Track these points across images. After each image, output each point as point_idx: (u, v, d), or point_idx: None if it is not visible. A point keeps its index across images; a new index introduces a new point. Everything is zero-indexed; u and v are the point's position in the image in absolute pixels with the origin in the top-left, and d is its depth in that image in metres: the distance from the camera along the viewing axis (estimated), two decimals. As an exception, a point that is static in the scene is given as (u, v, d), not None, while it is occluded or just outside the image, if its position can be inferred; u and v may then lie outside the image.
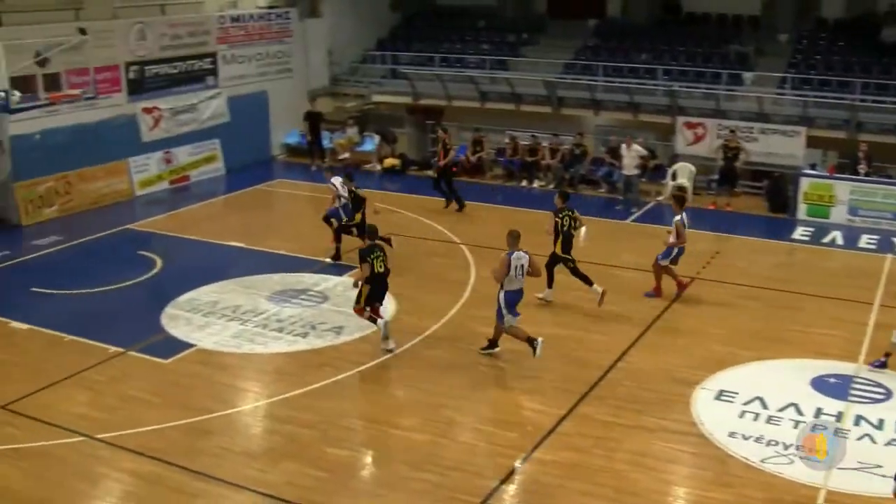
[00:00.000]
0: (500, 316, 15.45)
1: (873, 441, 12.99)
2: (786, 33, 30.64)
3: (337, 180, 20.80)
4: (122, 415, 13.92)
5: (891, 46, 28.38)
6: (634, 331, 16.83)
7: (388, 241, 19.10)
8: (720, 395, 14.30)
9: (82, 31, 22.70)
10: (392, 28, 36.92)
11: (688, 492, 12.03)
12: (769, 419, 13.55)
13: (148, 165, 27.49)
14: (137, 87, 27.32)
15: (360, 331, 16.81)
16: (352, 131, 31.75)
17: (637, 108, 28.97)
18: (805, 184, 24.65)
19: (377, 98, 33.60)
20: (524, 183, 28.21)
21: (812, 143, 26.29)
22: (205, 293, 18.77)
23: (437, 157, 26.03)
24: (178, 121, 28.42)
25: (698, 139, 27.21)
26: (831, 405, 13.98)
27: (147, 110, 27.55)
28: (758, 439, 12.96)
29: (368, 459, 12.99)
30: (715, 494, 11.77)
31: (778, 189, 25.44)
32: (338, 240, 20.60)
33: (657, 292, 18.67)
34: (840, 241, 22.84)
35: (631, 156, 25.37)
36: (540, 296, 18.09)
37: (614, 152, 26.55)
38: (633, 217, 24.64)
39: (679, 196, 19.60)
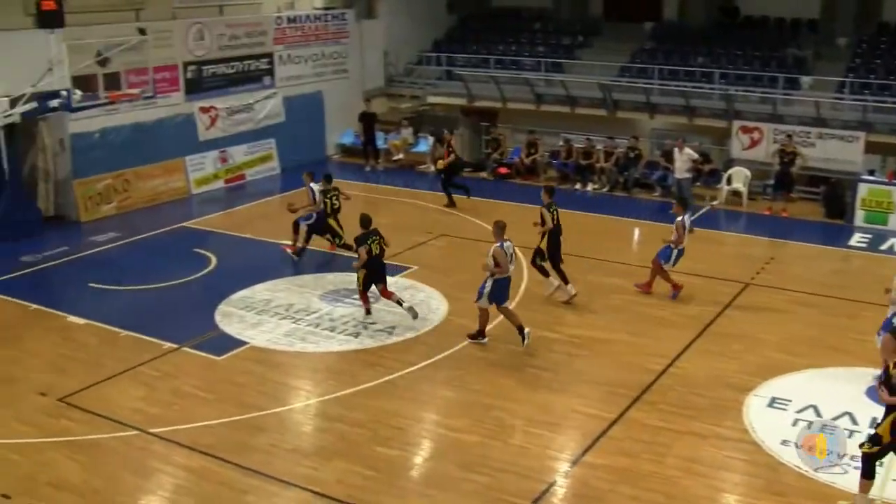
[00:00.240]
0: (478, 297, 16.23)
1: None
2: (845, 37, 30.22)
3: (316, 186, 20.96)
4: (176, 410, 14.10)
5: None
6: (686, 335, 16.70)
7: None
8: (773, 403, 14.16)
9: (142, 32, 23.03)
10: (448, 29, 36.99)
11: (738, 499, 11.89)
12: (823, 427, 13.38)
13: (204, 164, 27.79)
14: (195, 87, 27.65)
15: (411, 331, 16.88)
16: (406, 132, 31.86)
17: (693, 111, 28.77)
18: (863, 190, 24.29)
19: (432, 99, 33.68)
20: (578, 186, 28.10)
21: (871, 148, 25.91)
22: (258, 291, 18.94)
23: (443, 157, 26.40)
24: (235, 120, 28.71)
25: (754, 144, 26.96)
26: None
27: (204, 110, 27.86)
28: (811, 448, 12.81)
29: (418, 459, 13.01)
30: (766, 503, 11.65)
31: (835, 195, 25.11)
32: (306, 240, 20.94)
33: (647, 288, 18.74)
34: (899, 249, 22.53)
35: (682, 159, 25.12)
36: (559, 294, 18.61)
37: (668, 156, 26.36)
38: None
39: (682, 199, 19.61)
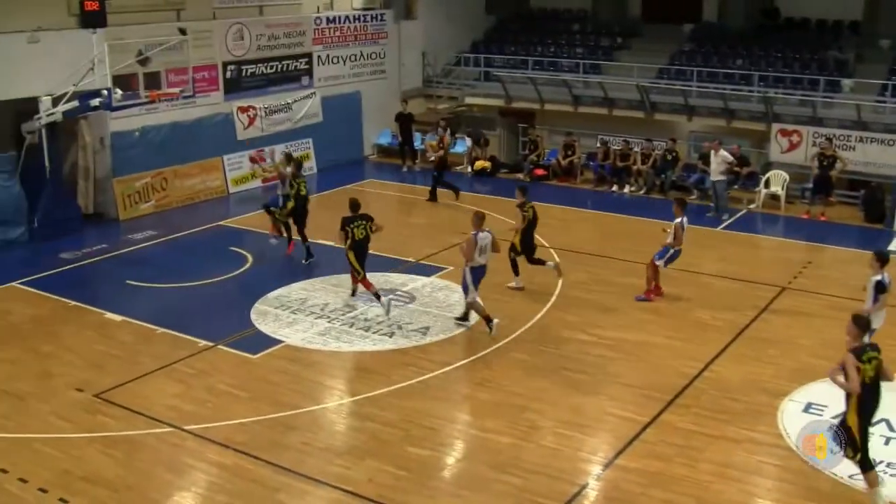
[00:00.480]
0: (465, 290, 16.76)
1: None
2: (888, 39, 29.86)
3: (288, 170, 21.31)
4: (210, 407, 14.20)
5: None
6: (722, 339, 16.60)
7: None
8: (808, 408, 14.05)
9: (182, 31, 23.18)
10: (486, 30, 37.02)
11: (772, 505, 11.84)
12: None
13: (242, 163, 27.95)
14: (234, 87, 27.83)
15: (445, 332, 16.91)
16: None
17: (731, 114, 28.59)
18: (903, 194, 24.07)
19: (469, 100, 33.70)
20: (614, 188, 28.00)
21: (913, 152, 25.65)
22: (294, 290, 19.03)
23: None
24: (273, 120, 28.87)
25: (793, 147, 26.74)
26: (924, 421, 13.63)
27: (242, 109, 28.02)
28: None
29: (450, 460, 13.02)
30: (800, 509, 11.59)
31: (875, 199, 24.86)
32: (282, 229, 21.27)
33: (654, 293, 18.68)
34: (940, 254, 22.22)
35: (717, 161, 24.92)
36: (551, 266, 19.36)
37: (706, 158, 26.20)
38: (723, 225, 24.26)
39: (680, 199, 19.51)
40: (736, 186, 26.19)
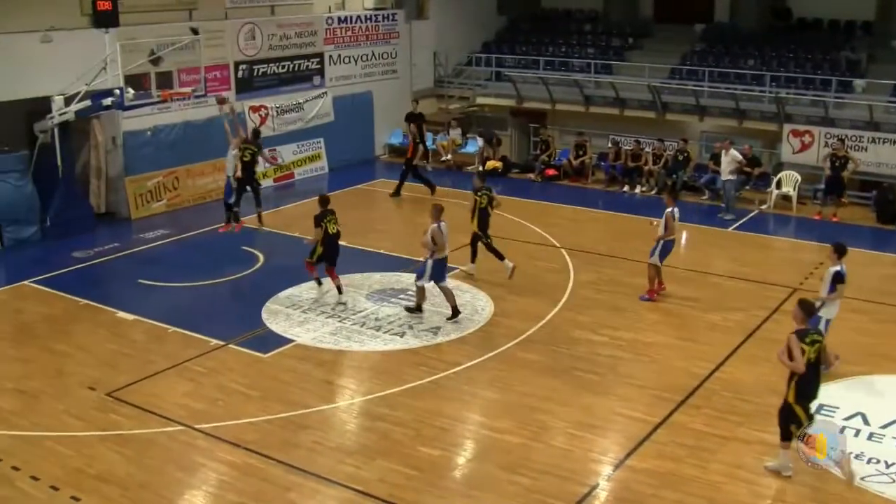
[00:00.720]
0: (419, 275, 17.45)
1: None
2: (901, 39, 29.82)
3: (232, 151, 22.33)
4: (221, 406, 14.24)
5: None
6: (734, 340, 16.58)
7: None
8: (820, 410, 13.93)
9: (194, 31, 23.23)
10: (497, 30, 37.02)
11: (784, 507, 11.82)
12: (871, 436, 13.23)
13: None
14: (246, 86, 27.87)
15: (456, 332, 16.92)
16: (455, 133, 31.89)
17: (743, 114, 28.54)
18: (916, 195, 24.01)
19: (481, 100, 33.72)
20: (626, 188, 27.95)
21: (926, 153, 25.57)
22: (305, 290, 19.05)
23: (408, 150, 27.06)
24: (284, 119, 28.90)
25: (805, 147, 26.68)
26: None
27: (254, 109, 28.07)
28: (858, 456, 12.65)
29: (460, 460, 13.02)
30: (812, 511, 11.57)
31: (887, 199, 24.77)
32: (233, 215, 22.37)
33: (660, 289, 18.73)
34: (953, 255, 22.18)
35: (727, 161, 24.87)
36: (464, 268, 19.70)
37: (717, 159, 26.15)
38: (734, 225, 24.20)
39: (672, 189, 19.77)
40: (748, 187, 26.15)
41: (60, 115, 21.82)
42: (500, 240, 21.36)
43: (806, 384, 11.89)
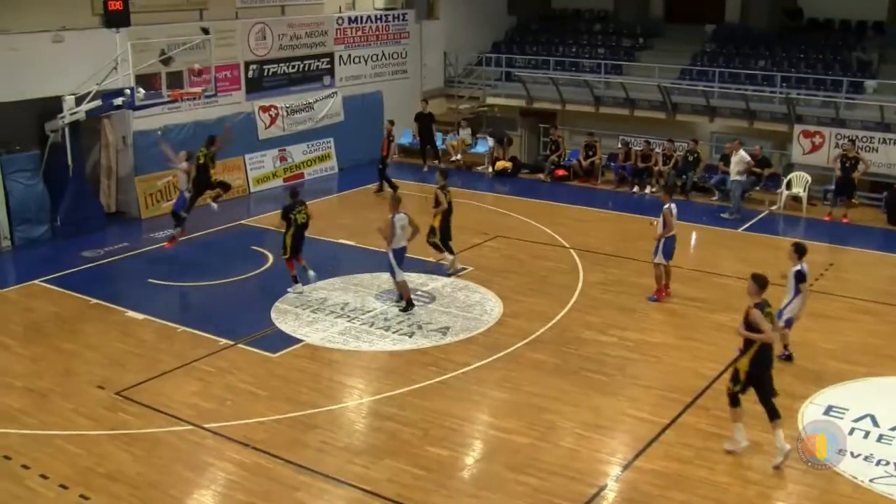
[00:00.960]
0: (393, 273, 17.82)
1: None
2: (913, 39, 29.73)
3: (184, 165, 21.68)
4: (230, 406, 14.26)
5: None
6: (741, 341, 16.48)
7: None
8: (829, 411, 13.98)
9: (205, 31, 23.27)
10: (507, 31, 37.04)
11: (792, 508, 11.80)
12: (880, 438, 13.19)
13: (263, 163, 28.05)
14: (256, 86, 27.92)
15: (465, 332, 16.93)
16: (464, 133, 31.89)
17: (753, 115, 28.49)
18: (927, 196, 23.92)
19: (491, 100, 33.73)
20: (636, 189, 27.88)
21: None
22: (314, 289, 19.06)
23: (382, 147, 27.13)
24: (294, 119, 28.94)
25: (815, 148, 26.60)
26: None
27: (264, 108, 28.12)
28: (867, 458, 12.62)
29: (468, 460, 13.02)
30: (820, 512, 11.55)
31: (898, 201, 24.74)
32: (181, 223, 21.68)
33: (664, 291, 18.76)
34: (964, 257, 22.09)
35: (735, 161, 24.82)
36: (445, 263, 20.19)
37: (727, 159, 26.09)
38: (744, 226, 24.13)
39: (668, 187, 20.16)
40: (758, 188, 26.08)
41: (71, 114, 21.88)
42: (509, 240, 21.50)
43: (764, 353, 12.52)
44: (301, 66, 29.29)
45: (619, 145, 29.15)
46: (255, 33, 27.63)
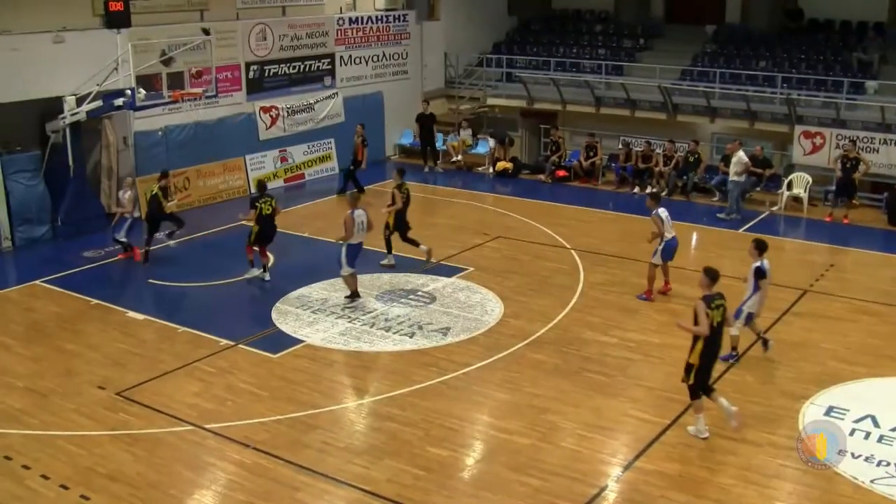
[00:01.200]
0: (341, 265, 18.14)
1: None
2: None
3: (129, 193, 21.36)
4: (230, 406, 14.25)
5: None
6: (742, 342, 16.52)
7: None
8: (830, 412, 13.96)
9: (206, 32, 23.28)
10: (508, 31, 37.03)
11: (793, 509, 11.79)
12: (881, 438, 13.17)
13: (264, 163, 28.05)
14: (256, 87, 27.92)
15: (466, 332, 16.92)
16: (465, 134, 31.87)
17: (754, 116, 28.48)
18: (928, 197, 23.89)
19: (492, 101, 33.71)
20: (636, 190, 27.86)
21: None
22: (315, 290, 19.07)
23: (356, 151, 27.06)
24: (295, 120, 28.94)
25: (816, 149, 26.58)
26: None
27: (265, 109, 28.12)
28: (868, 458, 12.61)
29: (469, 460, 13.01)
30: (821, 513, 11.54)
31: (899, 202, 24.73)
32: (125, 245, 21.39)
33: (666, 289, 18.88)
34: (964, 257, 22.08)
35: (735, 161, 24.80)
36: (423, 249, 20.59)
37: (728, 160, 26.07)
38: (745, 227, 24.10)
39: (654, 194, 20.44)
40: (759, 189, 26.07)
41: (72, 115, 21.89)
42: (509, 240, 21.49)
43: (711, 345, 12.82)
44: (302, 66, 29.28)
45: (620, 146, 29.15)
46: (256, 34, 27.62)
